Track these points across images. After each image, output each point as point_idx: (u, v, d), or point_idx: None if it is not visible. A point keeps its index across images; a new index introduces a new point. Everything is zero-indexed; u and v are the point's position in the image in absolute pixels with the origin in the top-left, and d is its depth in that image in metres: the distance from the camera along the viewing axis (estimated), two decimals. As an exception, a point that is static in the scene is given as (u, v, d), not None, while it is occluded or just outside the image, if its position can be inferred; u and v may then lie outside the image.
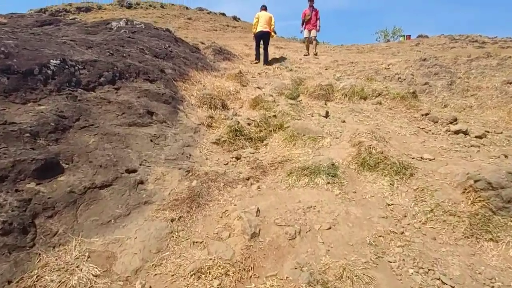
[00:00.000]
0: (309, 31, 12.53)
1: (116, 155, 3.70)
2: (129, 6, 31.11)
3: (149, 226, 3.03)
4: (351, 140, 4.66)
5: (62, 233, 2.74)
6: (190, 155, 4.34)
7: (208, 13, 34.24)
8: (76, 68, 4.75)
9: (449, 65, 8.80)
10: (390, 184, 3.78)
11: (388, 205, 3.47)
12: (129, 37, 7.44)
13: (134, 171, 3.65)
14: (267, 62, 11.17)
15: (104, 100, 4.61)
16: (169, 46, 8.12)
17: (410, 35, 23.83)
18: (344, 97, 7.15)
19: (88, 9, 28.90)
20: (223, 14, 34.89)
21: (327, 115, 6.02)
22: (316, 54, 12.74)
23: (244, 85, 7.77)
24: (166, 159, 4.01)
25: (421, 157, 4.32)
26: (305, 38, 12.70)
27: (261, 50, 11.36)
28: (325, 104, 6.96)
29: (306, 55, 12.82)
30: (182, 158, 4.17)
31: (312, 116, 6.17)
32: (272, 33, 11.82)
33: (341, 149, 4.53)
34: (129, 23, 8.76)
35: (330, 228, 3.15)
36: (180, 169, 3.94)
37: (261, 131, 5.44)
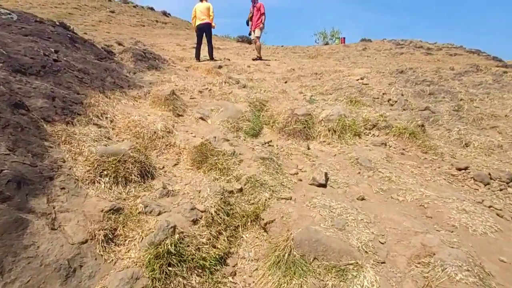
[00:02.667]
0: (253, 31, 10.02)
1: None
2: (39, -5, 25.48)
3: None
4: (427, 278, 2.03)
5: None
6: None
7: (134, 6, 29.64)
8: None
9: (435, 80, 6.71)
10: None
11: None
12: (-27, 35, 4.01)
13: None
14: (212, 57, 9.70)
15: None
16: (55, 51, 4.79)
17: (344, 38, 22.51)
18: (332, 134, 4.56)
19: (-18, -5, 22.96)
20: (152, 9, 30.53)
21: (326, 180, 3.35)
22: (256, 59, 10.09)
23: (179, 115, 4.78)
24: None
25: None
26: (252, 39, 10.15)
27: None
28: (308, 148, 4.31)
29: (256, 59, 10.15)
30: None
31: (299, 178, 3.47)
32: (213, 24, 9.62)
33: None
34: (-12, 11, 5.18)
35: None
36: None
37: (219, 234, 2.57)
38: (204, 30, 9.55)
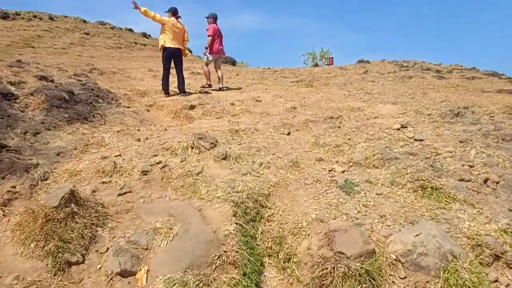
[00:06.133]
0: None
1: None
2: (5, 17, 22.52)
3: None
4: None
5: None
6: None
7: (111, 28, 26.79)
8: None
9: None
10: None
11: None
12: None
13: None
14: (183, 91, 7.13)
15: None
16: None
17: (332, 58, 20.30)
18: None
19: None
20: (130, 30, 27.65)
21: None
22: (205, 86, 8.06)
23: (71, 262, 1.94)
24: None
25: None
26: None
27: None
28: None
29: (204, 86, 8.13)
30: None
31: None
32: (187, 51, 7.52)
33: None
34: None
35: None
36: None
37: None
38: (174, 57, 6.82)
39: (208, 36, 7.32)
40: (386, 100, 6.34)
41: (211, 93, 7.23)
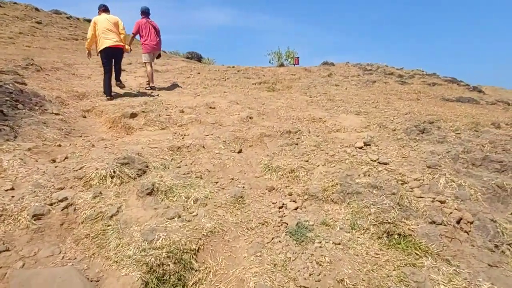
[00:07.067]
0: None
1: None
2: None
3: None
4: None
5: None
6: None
7: (68, 17, 24.57)
8: None
9: (491, 151, 3.70)
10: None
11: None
12: None
13: None
14: (119, 79, 6.39)
15: None
16: None
17: (298, 58, 19.90)
18: None
19: None
20: (89, 21, 25.63)
21: None
22: (148, 88, 7.13)
23: None
24: None
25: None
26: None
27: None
28: None
29: (147, 88, 7.16)
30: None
31: None
32: (126, 47, 6.33)
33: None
34: None
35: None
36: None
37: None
38: (115, 56, 5.99)
39: (132, 33, 6.75)
40: (349, 109, 5.89)
41: (161, 97, 6.42)
